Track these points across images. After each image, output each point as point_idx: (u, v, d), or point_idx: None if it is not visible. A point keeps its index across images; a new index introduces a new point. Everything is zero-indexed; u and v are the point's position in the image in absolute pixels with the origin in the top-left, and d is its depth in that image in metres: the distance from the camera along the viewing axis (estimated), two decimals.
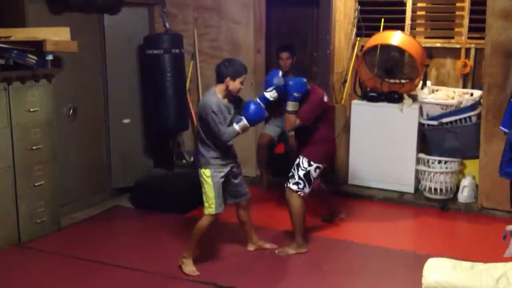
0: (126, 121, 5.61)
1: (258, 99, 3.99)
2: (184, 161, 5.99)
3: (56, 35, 4.46)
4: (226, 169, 3.97)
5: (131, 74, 5.61)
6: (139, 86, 5.66)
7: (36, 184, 4.48)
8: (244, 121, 3.86)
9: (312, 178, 4.18)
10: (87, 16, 5.14)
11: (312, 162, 4.16)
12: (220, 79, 3.89)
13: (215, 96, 3.87)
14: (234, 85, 3.87)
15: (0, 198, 4.22)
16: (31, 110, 4.40)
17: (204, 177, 3.91)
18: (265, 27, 5.88)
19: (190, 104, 5.91)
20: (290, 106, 4.02)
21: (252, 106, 3.89)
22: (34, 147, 4.44)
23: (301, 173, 4.16)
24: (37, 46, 4.35)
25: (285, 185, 4.22)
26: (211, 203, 3.90)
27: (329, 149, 4.34)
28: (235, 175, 4.11)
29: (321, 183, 4.60)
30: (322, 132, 4.21)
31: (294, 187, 4.16)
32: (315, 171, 4.18)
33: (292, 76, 4.11)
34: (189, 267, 3.93)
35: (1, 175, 4.23)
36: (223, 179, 3.95)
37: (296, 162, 4.21)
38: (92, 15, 5.20)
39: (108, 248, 4.40)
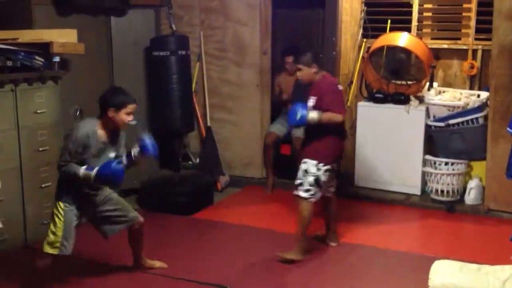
0: (133, 122, 5.61)
1: None
2: (190, 162, 5.99)
3: (63, 37, 4.47)
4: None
5: (137, 76, 5.62)
6: (146, 88, 5.67)
7: (43, 186, 4.49)
8: (94, 172, 3.36)
9: (321, 181, 3.99)
10: (94, 18, 5.16)
11: (320, 166, 3.98)
12: (102, 110, 3.46)
13: (94, 126, 3.43)
14: (119, 117, 3.44)
15: (7, 200, 4.24)
16: (38, 111, 4.42)
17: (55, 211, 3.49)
18: (271, 29, 5.88)
19: (196, 105, 5.92)
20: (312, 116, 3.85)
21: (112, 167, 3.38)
22: (41, 149, 4.45)
23: (311, 179, 3.97)
24: (44, 48, 4.36)
25: (294, 193, 4.02)
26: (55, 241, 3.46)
27: (337, 148, 4.12)
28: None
29: (333, 198, 4.31)
30: (331, 131, 3.98)
31: (305, 195, 3.97)
32: (324, 174, 4.00)
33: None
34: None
35: (8, 176, 4.24)
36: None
37: (304, 167, 4.01)
38: (99, 17, 5.22)
39: (114, 249, 4.40)
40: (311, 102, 4.01)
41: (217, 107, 5.96)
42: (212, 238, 4.60)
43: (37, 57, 4.33)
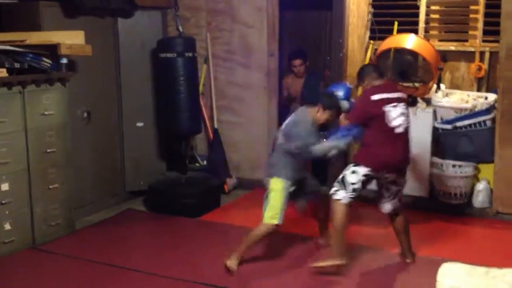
0: (140, 124, 5.64)
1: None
2: (197, 164, 6.00)
3: (71, 39, 4.49)
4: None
5: (144, 78, 5.63)
6: (153, 90, 5.68)
7: (50, 187, 4.51)
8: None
9: (347, 182, 3.88)
10: (101, 20, 5.18)
11: (356, 168, 3.91)
12: (315, 103, 3.99)
13: (308, 116, 3.98)
14: (321, 114, 3.94)
15: (15, 201, 4.26)
16: (46, 113, 4.44)
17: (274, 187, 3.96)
18: (278, 31, 5.88)
19: (203, 107, 5.93)
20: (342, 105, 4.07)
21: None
22: (48, 150, 4.47)
23: (339, 177, 3.97)
24: (52, 50, 4.38)
25: None
26: (275, 213, 3.94)
27: (378, 154, 3.91)
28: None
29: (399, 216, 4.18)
30: (369, 136, 3.92)
31: (331, 191, 3.96)
32: (351, 173, 3.90)
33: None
34: (232, 263, 3.97)
35: (16, 178, 4.26)
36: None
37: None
38: (106, 19, 5.24)
39: (122, 251, 4.42)
40: None
41: (224, 109, 5.96)
42: (219, 240, 4.60)
43: (44, 59, 4.35)
